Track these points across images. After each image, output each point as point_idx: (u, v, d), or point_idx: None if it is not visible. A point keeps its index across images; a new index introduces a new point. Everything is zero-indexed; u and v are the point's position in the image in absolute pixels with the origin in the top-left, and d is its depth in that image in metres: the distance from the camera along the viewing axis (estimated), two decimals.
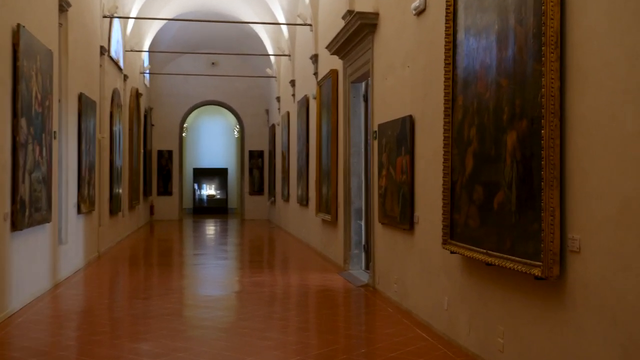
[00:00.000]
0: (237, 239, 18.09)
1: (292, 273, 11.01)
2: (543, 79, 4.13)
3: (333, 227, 11.77)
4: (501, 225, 4.77)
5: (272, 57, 20.72)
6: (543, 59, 4.13)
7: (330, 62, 11.99)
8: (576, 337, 3.98)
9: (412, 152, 7.20)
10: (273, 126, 22.44)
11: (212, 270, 11.39)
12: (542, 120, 4.13)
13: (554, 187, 4.07)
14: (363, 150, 10.58)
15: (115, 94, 14.77)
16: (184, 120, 25.25)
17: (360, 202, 10.60)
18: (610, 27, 3.69)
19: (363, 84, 10.61)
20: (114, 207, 14.68)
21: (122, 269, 11.70)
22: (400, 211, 7.54)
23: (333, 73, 11.59)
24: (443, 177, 5.91)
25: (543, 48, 4.13)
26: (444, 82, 5.89)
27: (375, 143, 8.75)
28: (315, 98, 13.74)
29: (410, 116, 7.24)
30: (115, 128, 15.00)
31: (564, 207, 4.09)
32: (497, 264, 4.77)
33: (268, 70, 21.08)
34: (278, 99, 20.62)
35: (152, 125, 23.88)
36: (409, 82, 7.43)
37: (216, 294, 9.13)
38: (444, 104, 5.89)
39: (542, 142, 4.12)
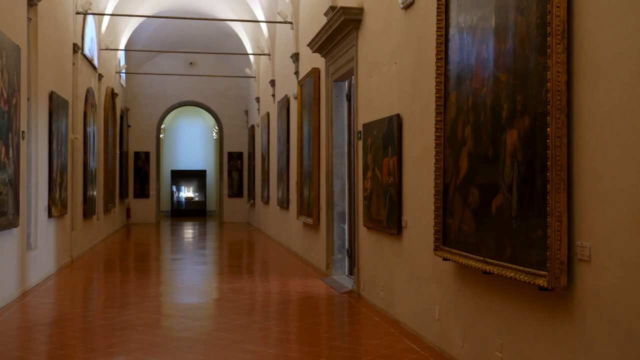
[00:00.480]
0: (215, 243, 17.66)
1: (273, 279, 10.62)
2: (548, 73, 3.79)
3: (315, 230, 11.40)
4: (500, 230, 4.43)
5: (251, 57, 20.33)
6: (548, 50, 3.79)
7: (312, 61, 11.63)
8: (586, 352, 3.65)
9: (400, 153, 6.86)
10: (252, 127, 22.04)
11: (190, 276, 10.97)
12: (548, 117, 3.79)
13: (560, 190, 3.74)
14: (346, 151, 10.23)
15: (89, 93, 14.30)
16: (161, 122, 24.75)
17: (344, 205, 10.25)
18: (624, 14, 3.36)
19: (346, 82, 10.27)
20: (88, 210, 14.21)
21: (96, 275, 11.26)
22: (387, 215, 7.19)
23: (315, 72, 11.23)
24: (434, 178, 5.56)
25: (548, 39, 3.79)
26: (436, 78, 5.55)
27: (360, 144, 8.40)
28: (296, 98, 13.38)
29: (398, 115, 6.90)
30: (90, 129, 14.53)
31: (571, 212, 3.75)
32: (495, 272, 4.43)
33: (247, 70, 20.68)
34: (258, 99, 20.23)
35: (129, 126, 23.37)
36: (396, 79, 7.09)
37: (194, 302, 8.72)
38: (436, 101, 5.55)
39: (548, 140, 3.78)
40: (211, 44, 22.91)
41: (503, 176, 4.40)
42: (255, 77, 20.39)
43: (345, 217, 10.26)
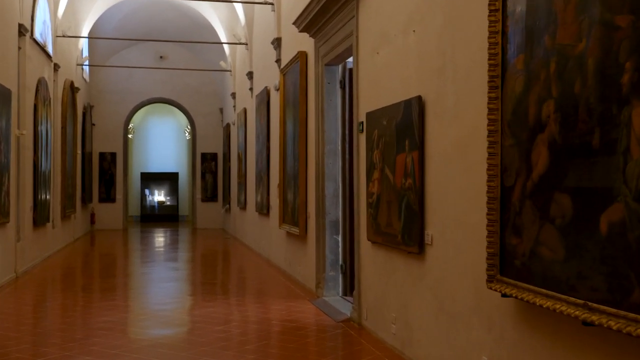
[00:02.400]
0: (188, 253, 15.92)
1: (252, 300, 8.94)
2: None
3: (302, 242, 9.75)
4: (618, 261, 2.82)
5: (226, 49, 18.63)
6: None
7: (297, 44, 9.99)
8: None
9: (422, 147, 5.24)
10: (228, 126, 20.32)
11: (157, 297, 9.24)
12: None
13: None
14: (340, 148, 8.60)
15: (41, 84, 12.52)
16: (129, 120, 22.92)
17: (337, 212, 8.61)
18: None
19: (340, 67, 8.64)
20: (40, 217, 12.42)
21: (43, 296, 9.50)
22: (402, 227, 5.56)
23: (301, 56, 9.58)
24: (487, 180, 3.93)
25: None
26: (488, 37, 3.92)
27: (362, 138, 6.77)
28: (277, 89, 11.71)
29: (418, 98, 5.28)
30: (42, 126, 12.75)
31: None
32: (611, 326, 2.81)
33: (222, 63, 18.97)
34: (233, 95, 18.53)
35: (93, 124, 21.53)
36: (414, 52, 5.47)
37: (161, 335, 6.98)
38: (489, 71, 3.91)
39: None
40: (183, 36, 21.14)
41: (625, 176, 2.79)
42: (230, 71, 18.69)
43: (339, 226, 8.62)
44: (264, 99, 12.95)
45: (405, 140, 5.50)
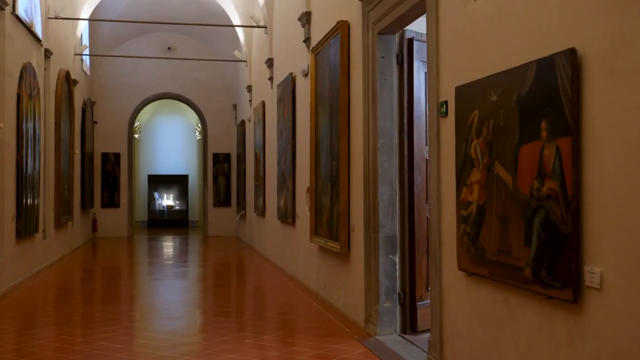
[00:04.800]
0: (198, 267, 13.93)
1: (279, 338, 6.90)
2: None
3: (343, 261, 7.75)
4: None
5: (241, 36, 16.67)
6: None
7: (334, 15, 8.02)
8: None
9: (578, 131, 3.25)
10: (242, 123, 18.34)
11: (165, 334, 7.17)
12: None
13: None
14: (397, 142, 6.62)
15: (26, 71, 10.59)
16: (134, 117, 20.96)
17: (394, 225, 6.62)
18: None
19: (396, 36, 6.66)
20: (25, 227, 10.51)
21: (19, 332, 7.50)
22: (534, 257, 3.57)
23: (342, 26, 7.58)
24: None
25: None
26: None
27: (447, 123, 4.78)
28: (306, 74, 9.75)
29: (570, 52, 3.29)
30: (29, 120, 10.84)
31: None
32: None
33: (236, 52, 17.01)
34: (249, 88, 16.55)
35: (95, 122, 19.61)
36: None
37: None
38: None
39: None
40: (193, 27, 19.24)
41: None
42: (246, 61, 16.71)
43: (396, 243, 6.63)
44: (288, 87, 10.99)
45: (541, 121, 3.51)
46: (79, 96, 16.76)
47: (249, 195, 16.87)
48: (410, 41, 6.61)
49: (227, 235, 20.51)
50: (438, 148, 4.95)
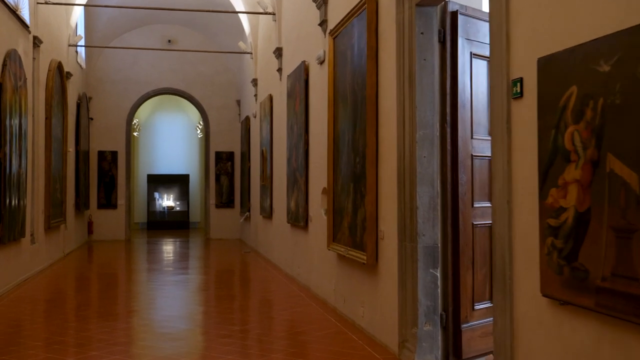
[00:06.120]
0: (199, 275, 12.86)
1: None
2: None
3: (369, 274, 6.70)
4: None
5: (246, 27, 15.63)
6: None
7: None
8: None
9: None
10: (247, 119, 17.28)
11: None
12: None
13: None
14: (438, 134, 5.57)
15: (10, 59, 9.54)
16: (132, 114, 19.89)
17: (435, 233, 5.57)
18: None
19: (438, 9, 5.61)
20: (9, 231, 9.47)
21: None
22: None
23: (370, 1, 6.52)
24: None
25: None
26: None
27: (523, 107, 3.73)
28: (322, 62, 8.72)
29: None
30: (15, 114, 9.80)
31: None
32: None
33: (241, 44, 15.97)
34: (255, 81, 15.50)
35: (91, 118, 18.54)
36: None
37: None
38: None
39: None
40: (194, 17, 18.23)
41: None
42: (251, 53, 15.65)
43: (438, 255, 5.58)
44: (300, 77, 9.94)
45: None
46: (74, 90, 15.73)
47: (254, 196, 15.83)
48: (455, 15, 5.57)
49: (230, 238, 19.47)
50: (509, 138, 3.89)
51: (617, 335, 2.98)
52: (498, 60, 4.01)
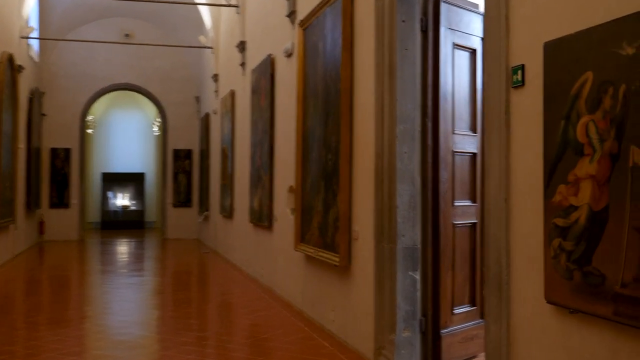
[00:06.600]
0: (156, 277, 12.34)
1: None
2: None
3: (341, 276, 6.35)
4: None
5: (207, 20, 15.16)
6: None
7: None
8: None
9: None
10: (207, 116, 16.80)
11: None
12: None
13: None
14: (419, 129, 5.26)
15: None
16: (87, 110, 19.20)
17: (415, 233, 5.25)
18: None
19: None
20: None
21: None
22: None
23: None
24: None
25: None
26: None
27: (526, 96, 3.43)
28: (290, 54, 8.36)
29: None
30: None
31: None
32: None
33: (202, 38, 15.49)
34: (215, 77, 15.05)
35: (43, 114, 17.83)
36: None
37: None
38: None
39: None
40: (153, 10, 17.69)
41: None
42: (212, 48, 15.20)
43: (418, 257, 5.27)
44: (266, 71, 9.56)
45: None
46: (25, 85, 15.04)
47: (214, 195, 15.37)
48: (437, 2, 5.26)
49: (187, 238, 18.95)
50: (507, 131, 3.58)
51: (637, 346, 2.68)
52: (495, 46, 3.70)
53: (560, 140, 3.08)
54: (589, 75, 2.89)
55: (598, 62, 2.85)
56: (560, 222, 3.08)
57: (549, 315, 3.21)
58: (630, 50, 2.67)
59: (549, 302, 3.18)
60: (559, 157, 3.09)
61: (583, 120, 2.93)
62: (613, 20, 2.78)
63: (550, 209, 3.15)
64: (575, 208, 2.97)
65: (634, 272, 2.64)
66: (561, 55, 3.08)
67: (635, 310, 2.64)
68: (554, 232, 3.12)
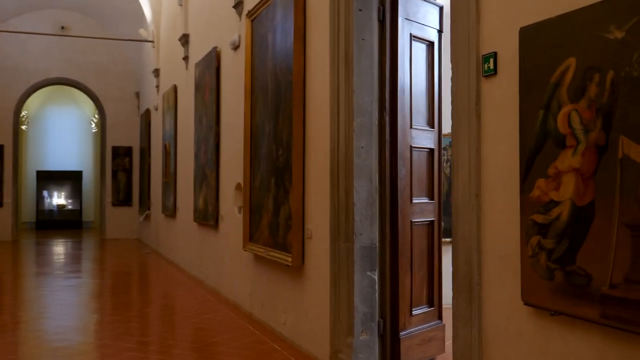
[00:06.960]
0: (95, 279, 11.86)
1: None
2: None
3: (293, 277, 6.09)
4: None
5: (147, 13, 14.68)
6: None
7: None
8: None
9: None
10: (147, 112, 16.30)
11: None
12: None
13: None
14: (377, 122, 5.03)
15: None
16: (20, 106, 18.44)
17: (373, 232, 5.03)
18: None
19: None
20: None
21: None
22: None
23: None
24: None
25: None
26: None
27: (499, 85, 3.23)
28: (236, 47, 8.04)
29: None
30: None
31: None
32: None
33: (142, 31, 14.99)
34: (156, 71, 14.59)
35: None
36: None
37: None
38: None
39: None
40: (90, 1, 17.08)
41: None
42: (153, 42, 14.73)
43: (376, 256, 5.04)
44: (211, 65, 9.22)
45: None
46: None
47: (155, 194, 14.91)
48: None
49: (127, 238, 18.39)
50: (478, 123, 3.38)
51: (627, 350, 2.51)
52: (463, 34, 3.50)
53: (539, 132, 2.88)
54: (572, 61, 2.71)
55: (582, 48, 2.66)
56: (539, 218, 2.88)
57: (527, 317, 3.02)
58: (619, 34, 2.49)
59: (526, 303, 2.98)
60: (537, 149, 2.89)
61: (565, 109, 2.74)
62: (599, 2, 2.59)
63: (528, 204, 2.96)
64: (557, 203, 2.79)
65: (625, 272, 2.46)
66: (539, 41, 2.89)
67: (626, 313, 2.45)
68: (532, 229, 2.93)
